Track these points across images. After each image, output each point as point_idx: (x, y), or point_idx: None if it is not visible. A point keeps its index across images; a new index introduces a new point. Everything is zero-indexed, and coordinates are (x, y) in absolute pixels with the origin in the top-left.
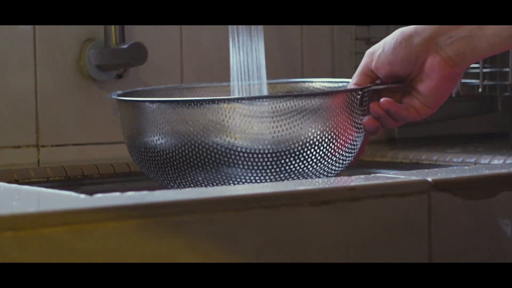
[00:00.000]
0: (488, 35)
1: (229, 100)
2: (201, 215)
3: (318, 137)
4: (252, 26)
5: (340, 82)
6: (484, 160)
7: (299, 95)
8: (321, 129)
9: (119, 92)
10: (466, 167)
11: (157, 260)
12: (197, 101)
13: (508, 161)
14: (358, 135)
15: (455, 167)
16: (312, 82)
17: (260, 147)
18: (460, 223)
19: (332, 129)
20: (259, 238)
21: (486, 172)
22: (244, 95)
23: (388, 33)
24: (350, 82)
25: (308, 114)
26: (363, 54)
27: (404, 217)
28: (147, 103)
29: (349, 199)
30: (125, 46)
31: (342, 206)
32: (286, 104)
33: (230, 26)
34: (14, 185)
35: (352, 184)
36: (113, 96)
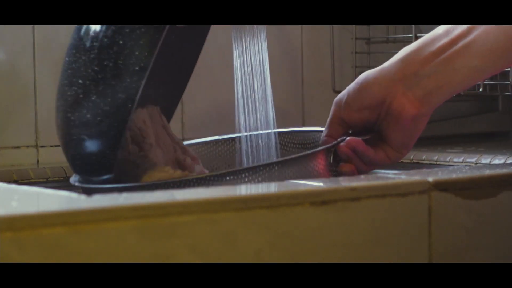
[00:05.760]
0: (456, 69)
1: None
2: (201, 215)
3: None
4: (255, 26)
5: (312, 131)
6: (485, 160)
7: (272, 163)
8: None
9: None
10: (466, 167)
11: (156, 261)
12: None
13: (509, 161)
14: None
15: (455, 167)
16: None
17: None
18: (461, 223)
19: None
20: (259, 238)
21: (487, 172)
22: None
23: (388, 33)
24: (323, 133)
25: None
26: (363, 54)
27: (404, 217)
28: None
29: (350, 199)
30: None
31: (343, 206)
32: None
33: (233, 26)
34: (13, 186)
35: (352, 184)
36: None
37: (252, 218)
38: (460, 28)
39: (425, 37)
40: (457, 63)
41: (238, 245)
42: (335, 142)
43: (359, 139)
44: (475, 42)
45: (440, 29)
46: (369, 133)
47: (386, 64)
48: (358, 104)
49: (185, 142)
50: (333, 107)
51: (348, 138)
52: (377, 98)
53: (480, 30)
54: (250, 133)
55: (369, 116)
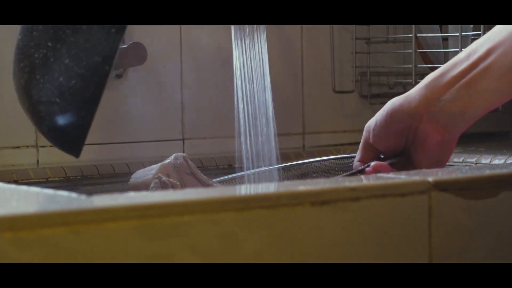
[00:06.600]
0: (477, 92)
1: None
2: (201, 215)
3: None
4: (255, 26)
5: (347, 157)
6: (485, 160)
7: None
8: None
9: None
10: (466, 167)
11: (156, 261)
12: None
13: (509, 161)
14: None
15: (455, 167)
16: (318, 161)
17: None
18: (461, 223)
19: None
20: (259, 238)
21: (487, 172)
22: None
23: (388, 33)
24: (355, 158)
25: None
26: (363, 54)
27: (404, 217)
28: None
29: (349, 199)
30: (124, 46)
31: (342, 206)
32: None
33: (233, 26)
34: (13, 186)
35: (352, 184)
36: None
37: (252, 218)
38: (480, 52)
39: (448, 63)
40: (478, 86)
41: (238, 245)
42: (361, 167)
43: (384, 163)
44: (494, 64)
45: (462, 53)
46: (397, 157)
47: (412, 90)
48: (385, 131)
49: (217, 179)
50: (364, 133)
51: (373, 163)
52: (403, 125)
53: (498, 52)
54: (290, 163)
55: (397, 142)
